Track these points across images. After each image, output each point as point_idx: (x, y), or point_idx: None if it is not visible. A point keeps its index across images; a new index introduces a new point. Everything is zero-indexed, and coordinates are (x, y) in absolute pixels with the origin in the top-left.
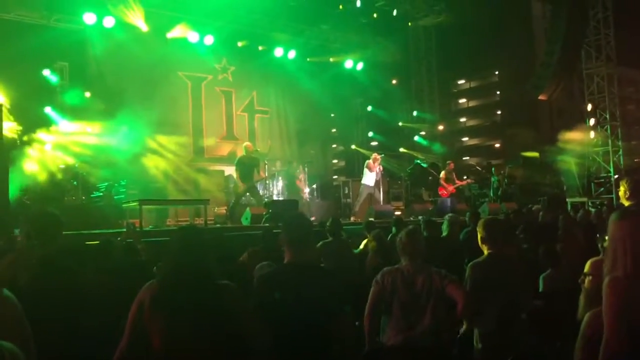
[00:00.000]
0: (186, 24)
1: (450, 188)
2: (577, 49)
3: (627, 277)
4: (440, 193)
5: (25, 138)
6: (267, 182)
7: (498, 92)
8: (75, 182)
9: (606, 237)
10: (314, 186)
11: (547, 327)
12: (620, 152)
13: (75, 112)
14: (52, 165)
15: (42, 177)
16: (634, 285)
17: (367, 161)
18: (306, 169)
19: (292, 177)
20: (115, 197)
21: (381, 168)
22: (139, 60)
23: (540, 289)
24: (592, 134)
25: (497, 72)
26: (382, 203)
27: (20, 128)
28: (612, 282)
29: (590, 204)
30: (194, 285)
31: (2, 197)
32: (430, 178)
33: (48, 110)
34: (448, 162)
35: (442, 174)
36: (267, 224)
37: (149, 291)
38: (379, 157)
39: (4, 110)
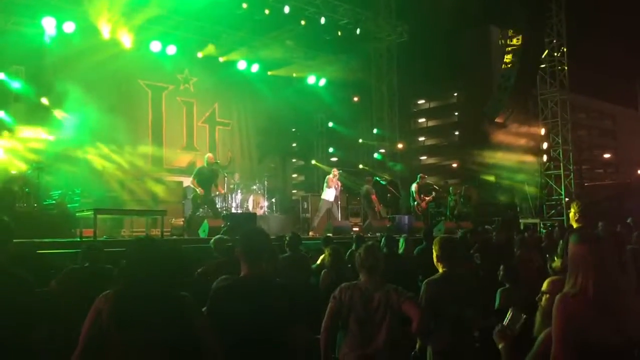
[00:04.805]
0: (148, 33)
1: (423, 204)
2: (533, 74)
3: (586, 299)
4: (422, 206)
5: None
6: (226, 194)
7: (456, 113)
8: (27, 189)
9: (555, 258)
10: (273, 200)
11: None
12: (572, 176)
13: (30, 118)
14: (3, 171)
15: None
16: (592, 306)
17: (327, 177)
18: (266, 183)
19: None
20: (69, 205)
21: (340, 184)
22: (99, 67)
23: (497, 303)
24: (545, 157)
25: (455, 94)
26: (339, 219)
27: None
28: (561, 300)
29: (542, 225)
30: (151, 296)
31: None
32: (388, 195)
33: (1, 114)
34: (420, 175)
35: (415, 186)
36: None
37: (106, 302)
38: (337, 172)
39: None
